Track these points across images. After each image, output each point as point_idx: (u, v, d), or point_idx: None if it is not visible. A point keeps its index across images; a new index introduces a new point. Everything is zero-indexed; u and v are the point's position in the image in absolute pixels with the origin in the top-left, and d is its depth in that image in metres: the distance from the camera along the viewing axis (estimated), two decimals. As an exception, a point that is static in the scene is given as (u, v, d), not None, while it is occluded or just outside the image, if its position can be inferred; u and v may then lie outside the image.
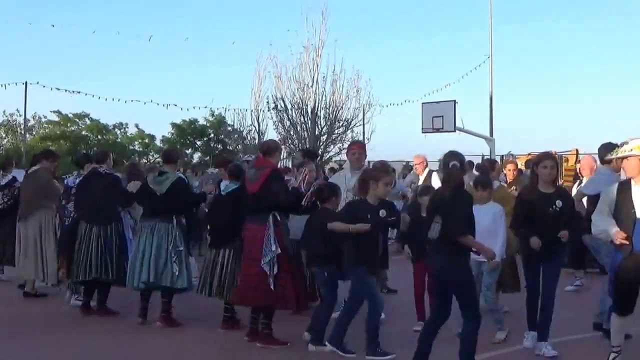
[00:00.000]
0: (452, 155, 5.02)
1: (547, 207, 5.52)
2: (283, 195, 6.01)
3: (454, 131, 21.22)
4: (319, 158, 24.19)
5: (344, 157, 24.97)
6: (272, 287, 5.82)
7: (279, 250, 5.89)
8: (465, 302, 4.85)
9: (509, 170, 9.23)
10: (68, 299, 7.89)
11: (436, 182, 10.74)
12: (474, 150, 22.45)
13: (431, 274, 5.61)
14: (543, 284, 5.69)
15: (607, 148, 6.66)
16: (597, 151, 7.11)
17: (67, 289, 7.96)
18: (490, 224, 5.98)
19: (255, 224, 5.99)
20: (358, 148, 7.45)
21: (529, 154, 22.42)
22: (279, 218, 6.01)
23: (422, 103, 22.04)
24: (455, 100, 21.24)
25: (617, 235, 4.84)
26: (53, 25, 36.11)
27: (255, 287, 5.89)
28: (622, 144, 5.39)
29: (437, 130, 21.22)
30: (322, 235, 5.87)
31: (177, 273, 6.69)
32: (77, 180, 7.91)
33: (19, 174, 9.45)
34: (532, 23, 46.30)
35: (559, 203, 5.53)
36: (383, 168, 6.69)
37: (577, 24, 46.38)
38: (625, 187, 5.04)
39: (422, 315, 6.53)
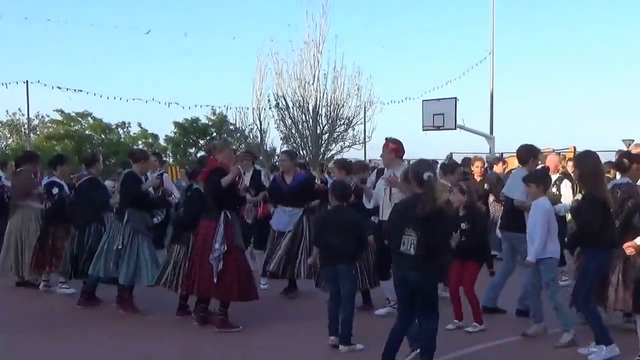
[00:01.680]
0: (425, 164, 4.97)
1: None
2: (209, 188, 6.47)
3: (455, 129, 21.25)
4: (320, 157, 24.36)
5: (344, 155, 25.06)
6: (214, 280, 6.32)
7: (226, 248, 6.34)
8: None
9: (477, 167, 9.44)
10: (43, 288, 8.41)
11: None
12: (474, 148, 22.51)
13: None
14: None
15: (528, 150, 6.86)
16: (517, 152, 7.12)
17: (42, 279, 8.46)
18: (533, 222, 5.92)
19: (206, 221, 6.49)
20: (383, 147, 7.12)
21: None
22: (229, 216, 6.42)
23: (423, 100, 22.04)
24: (456, 98, 21.24)
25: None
26: (49, 20, 36.18)
27: (209, 280, 6.37)
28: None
29: (438, 128, 21.27)
30: (348, 233, 5.84)
31: (117, 268, 7.11)
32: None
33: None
34: (534, 19, 46.23)
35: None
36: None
37: (578, 21, 46.33)
38: None
39: (459, 314, 6.48)
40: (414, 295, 4.82)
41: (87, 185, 7.71)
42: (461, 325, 6.39)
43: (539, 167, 7.61)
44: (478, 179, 9.32)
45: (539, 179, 6.12)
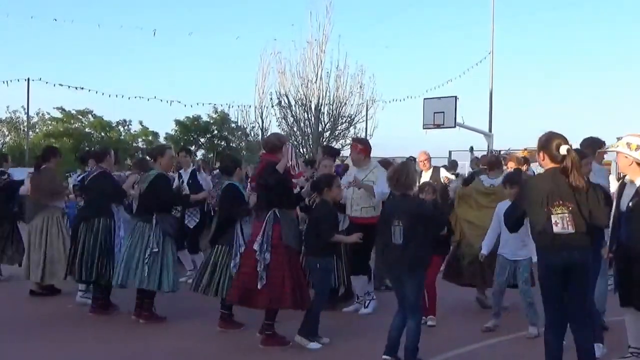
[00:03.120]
0: (560, 137, 4.42)
1: None
2: (275, 188, 5.78)
3: (454, 127, 21.56)
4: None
5: (346, 153, 25.34)
6: (258, 286, 5.63)
7: (269, 249, 5.68)
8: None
9: (510, 168, 8.84)
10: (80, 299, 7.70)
11: (445, 178, 11.01)
12: (472, 145, 22.87)
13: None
14: None
15: (590, 142, 6.42)
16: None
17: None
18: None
19: (256, 221, 5.91)
20: (352, 148, 7.46)
21: (525, 150, 22.83)
22: (278, 214, 5.75)
23: (424, 99, 22.22)
24: (456, 96, 21.50)
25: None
26: (55, 20, 36.14)
27: (252, 288, 5.70)
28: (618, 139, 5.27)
29: (438, 126, 21.58)
30: (316, 227, 5.91)
31: (146, 274, 6.50)
32: (79, 178, 8.05)
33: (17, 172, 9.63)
34: (534, 19, 46.78)
35: None
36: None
37: (578, 21, 46.89)
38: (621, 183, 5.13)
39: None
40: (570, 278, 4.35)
41: (97, 179, 7.30)
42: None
43: (510, 170, 7.83)
44: None
45: (518, 182, 6.04)
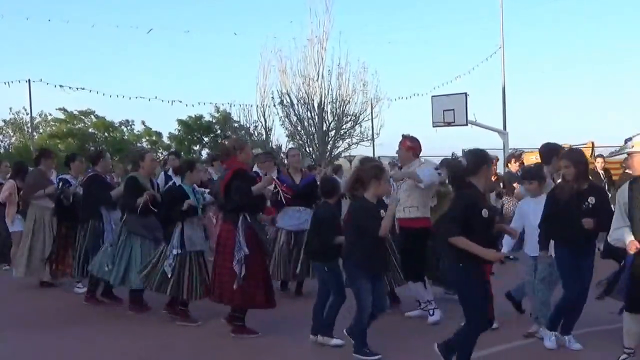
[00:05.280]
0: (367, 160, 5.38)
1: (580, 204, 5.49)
2: (238, 197, 6.07)
3: (466, 125, 20.70)
4: (328, 155, 23.89)
5: (353, 152, 24.57)
6: (234, 286, 6.00)
7: (247, 252, 5.97)
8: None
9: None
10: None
11: None
12: (487, 144, 21.91)
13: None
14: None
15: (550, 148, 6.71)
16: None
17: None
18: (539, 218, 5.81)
19: (228, 223, 6.18)
20: (400, 144, 6.96)
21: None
22: (249, 219, 6.10)
23: (432, 96, 21.39)
24: (466, 93, 20.65)
25: (632, 245, 4.78)
26: (49, 20, 35.98)
27: (226, 285, 6.09)
28: (627, 140, 5.21)
29: (449, 124, 20.70)
30: (320, 231, 5.93)
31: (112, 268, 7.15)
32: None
33: None
34: (545, 10, 45.31)
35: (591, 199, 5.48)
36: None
37: (592, 11, 45.41)
38: (635, 185, 4.91)
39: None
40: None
41: (88, 183, 7.74)
42: None
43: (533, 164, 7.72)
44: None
45: (537, 176, 6.16)
